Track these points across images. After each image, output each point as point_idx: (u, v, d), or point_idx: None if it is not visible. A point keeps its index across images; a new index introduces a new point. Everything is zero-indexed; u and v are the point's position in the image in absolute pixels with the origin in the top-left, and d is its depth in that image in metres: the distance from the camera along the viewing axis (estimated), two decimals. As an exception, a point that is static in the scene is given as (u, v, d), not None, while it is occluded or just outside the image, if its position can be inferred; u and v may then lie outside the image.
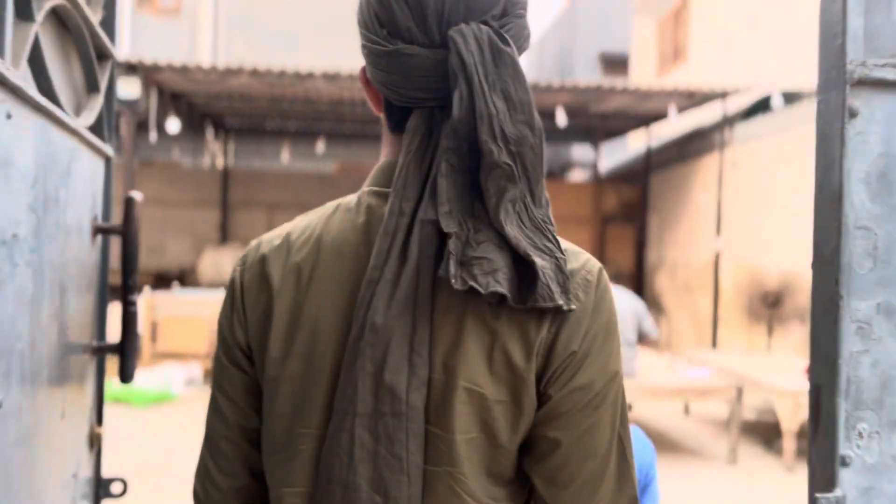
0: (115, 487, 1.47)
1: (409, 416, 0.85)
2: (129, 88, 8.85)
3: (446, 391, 0.86)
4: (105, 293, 1.47)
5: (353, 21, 1.00)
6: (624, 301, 6.03)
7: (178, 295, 9.72)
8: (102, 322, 1.46)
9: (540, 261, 0.84)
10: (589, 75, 18.19)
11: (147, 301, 9.25)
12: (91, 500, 1.41)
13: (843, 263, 0.76)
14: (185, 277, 13.14)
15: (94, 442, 1.39)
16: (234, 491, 0.98)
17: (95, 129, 1.41)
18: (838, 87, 0.76)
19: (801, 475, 5.44)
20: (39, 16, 0.98)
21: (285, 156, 14.40)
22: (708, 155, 10.91)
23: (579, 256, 0.93)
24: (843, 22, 0.75)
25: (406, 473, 0.85)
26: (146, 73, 8.99)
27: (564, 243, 0.92)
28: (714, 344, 10.07)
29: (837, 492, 0.78)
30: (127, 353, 1.34)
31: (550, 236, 0.87)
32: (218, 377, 0.98)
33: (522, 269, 0.84)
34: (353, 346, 0.86)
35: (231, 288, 0.97)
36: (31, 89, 0.96)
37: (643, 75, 14.70)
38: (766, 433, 6.71)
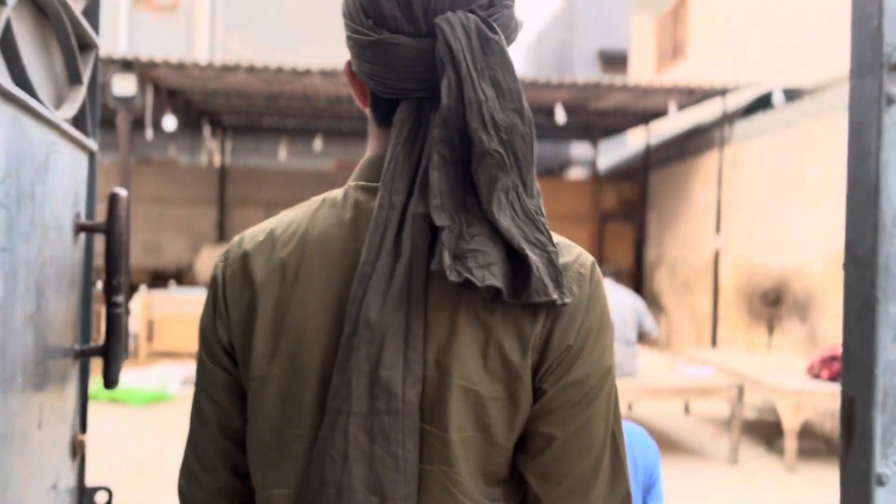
0: (100, 497, 1.42)
1: (406, 414, 0.83)
2: (125, 85, 8.77)
3: (441, 389, 0.85)
4: (89, 294, 1.40)
5: (350, 17, 0.95)
6: (624, 299, 5.98)
7: (174, 294, 9.66)
8: (87, 324, 1.39)
9: (532, 254, 0.83)
10: (588, 73, 18.14)
11: (143, 300, 9.20)
12: (75, 510, 1.35)
13: (880, 264, 0.70)
14: (183, 276, 13.08)
15: (77, 450, 1.33)
16: (218, 491, 0.97)
17: (78, 122, 1.35)
18: (874, 72, 0.70)
19: (802, 476, 5.39)
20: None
21: (283, 153, 14.34)
22: (707, 152, 10.85)
23: (571, 250, 0.93)
24: (879, 0, 0.69)
25: (402, 472, 0.83)
26: (142, 69, 8.92)
27: (556, 237, 0.91)
28: (714, 343, 10.02)
29: (872, 512, 0.72)
30: (111, 357, 1.28)
31: (543, 228, 0.85)
32: (200, 377, 0.97)
33: (516, 263, 0.83)
34: (347, 343, 0.84)
35: (213, 285, 0.95)
36: (3, 77, 0.90)
37: (642, 73, 14.64)
38: (766, 433, 6.66)
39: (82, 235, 1.34)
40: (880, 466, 0.69)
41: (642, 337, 6.01)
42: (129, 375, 7.69)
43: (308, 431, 0.87)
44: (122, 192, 1.30)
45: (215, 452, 0.96)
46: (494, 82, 0.83)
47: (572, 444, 0.88)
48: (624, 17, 17.89)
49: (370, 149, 0.96)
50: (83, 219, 1.33)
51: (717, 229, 10.05)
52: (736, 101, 10.15)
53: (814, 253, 8.23)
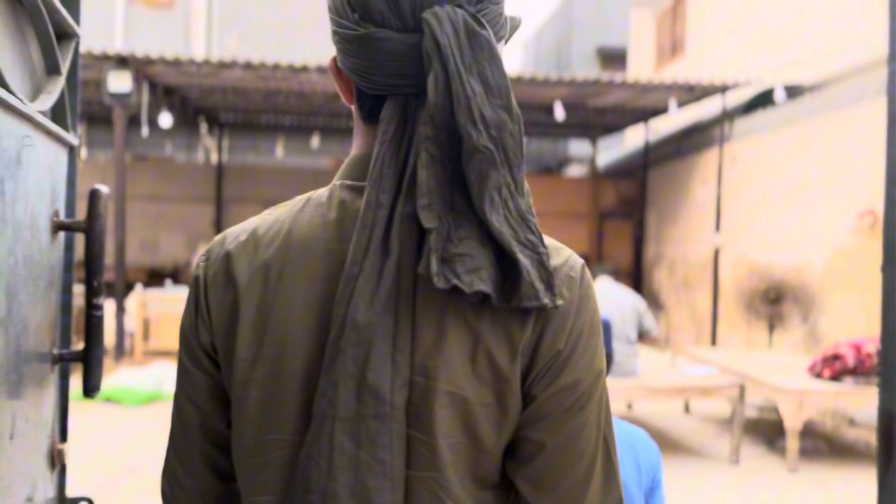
0: (82, 508, 1.35)
1: (393, 418, 0.81)
2: (120, 82, 8.71)
3: (427, 394, 0.83)
4: (69, 296, 1.34)
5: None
6: (625, 297, 5.92)
7: (170, 292, 9.59)
8: (67, 328, 1.33)
9: (523, 258, 0.80)
10: (586, 70, 18.06)
11: (139, 298, 9.13)
12: (55, 522, 1.29)
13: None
14: (179, 274, 13.02)
15: (57, 460, 1.27)
16: (200, 493, 0.96)
17: (57, 116, 1.28)
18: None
19: (804, 477, 5.34)
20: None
21: (280, 151, 14.27)
22: (707, 150, 10.80)
23: (561, 252, 0.90)
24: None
25: (389, 479, 0.81)
26: (138, 66, 8.85)
27: (546, 239, 0.88)
28: (713, 341, 9.96)
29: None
30: (91, 362, 1.22)
31: (534, 228, 0.83)
32: (181, 380, 0.95)
33: (505, 266, 0.81)
34: (333, 346, 0.82)
35: (195, 286, 0.93)
36: (-34, 65, 0.83)
37: (641, 70, 14.58)
38: (767, 432, 6.61)
39: (61, 234, 1.27)
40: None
41: (643, 336, 5.96)
42: (124, 374, 7.63)
43: (292, 437, 0.86)
44: (104, 189, 1.24)
45: (198, 456, 0.95)
46: (483, 78, 0.82)
47: (564, 451, 0.86)
48: (622, 15, 17.82)
49: (356, 147, 0.94)
50: (62, 217, 1.27)
51: (717, 227, 9.99)
52: (736, 98, 10.09)
53: (815, 251, 8.18)
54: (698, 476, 5.32)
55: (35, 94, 1.18)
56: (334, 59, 0.94)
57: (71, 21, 1.29)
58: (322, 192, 0.93)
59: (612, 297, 5.82)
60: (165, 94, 10.37)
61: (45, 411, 1.21)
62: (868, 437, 6.55)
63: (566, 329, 0.86)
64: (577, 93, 10.16)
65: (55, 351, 1.24)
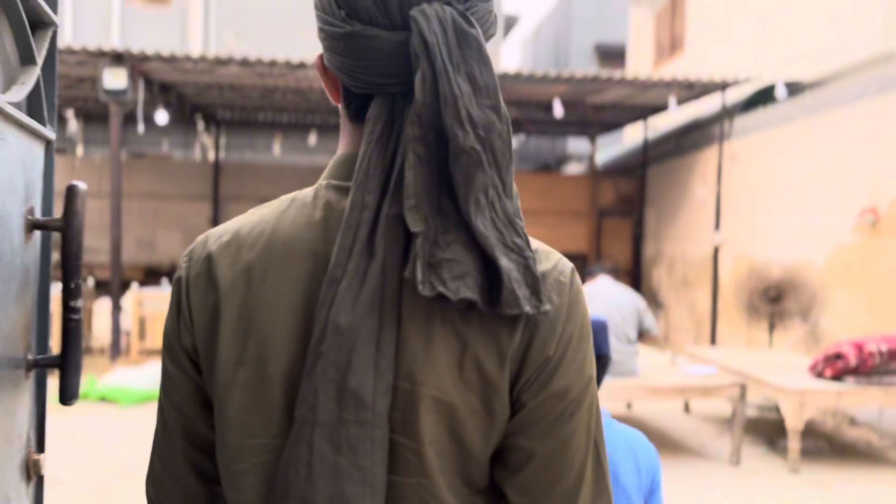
0: (61, 519, 1.29)
1: (375, 424, 0.80)
2: (116, 79, 8.63)
3: (412, 400, 0.81)
4: (46, 298, 1.27)
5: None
6: (624, 296, 5.86)
7: (166, 290, 9.52)
8: (43, 331, 1.27)
9: (507, 262, 0.79)
10: (585, 67, 17.99)
11: (135, 297, 9.07)
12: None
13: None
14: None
15: (33, 472, 1.20)
16: (184, 497, 0.96)
17: (32, 108, 1.22)
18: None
19: (806, 478, 5.28)
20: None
21: (277, 148, 14.20)
22: (707, 147, 10.74)
23: (550, 256, 0.89)
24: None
25: (369, 486, 0.80)
26: (133, 62, 8.77)
27: (535, 242, 0.88)
28: (713, 340, 9.91)
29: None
30: (68, 368, 1.15)
31: (521, 232, 0.82)
32: (164, 383, 0.95)
33: (493, 271, 0.80)
34: (314, 349, 0.80)
35: (177, 287, 0.92)
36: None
37: (639, 67, 14.51)
38: (767, 432, 6.56)
39: (37, 234, 1.21)
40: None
41: (642, 335, 5.90)
42: (120, 374, 7.56)
43: (273, 441, 0.84)
44: (81, 185, 1.18)
45: (181, 460, 0.95)
46: (471, 77, 0.80)
47: (554, 459, 0.86)
48: (621, 12, 17.75)
49: (342, 146, 0.93)
50: (38, 215, 1.21)
51: (717, 225, 9.93)
52: (735, 95, 10.03)
53: (815, 249, 8.12)
54: (698, 477, 5.27)
55: (8, 85, 1.12)
56: (320, 57, 0.92)
57: (48, 9, 1.22)
58: (307, 192, 0.91)
59: (611, 296, 5.76)
60: (162, 91, 10.29)
61: (20, 420, 1.15)
62: (870, 436, 6.49)
63: (556, 335, 0.85)
64: (576, 90, 10.09)
65: (30, 356, 1.17)
